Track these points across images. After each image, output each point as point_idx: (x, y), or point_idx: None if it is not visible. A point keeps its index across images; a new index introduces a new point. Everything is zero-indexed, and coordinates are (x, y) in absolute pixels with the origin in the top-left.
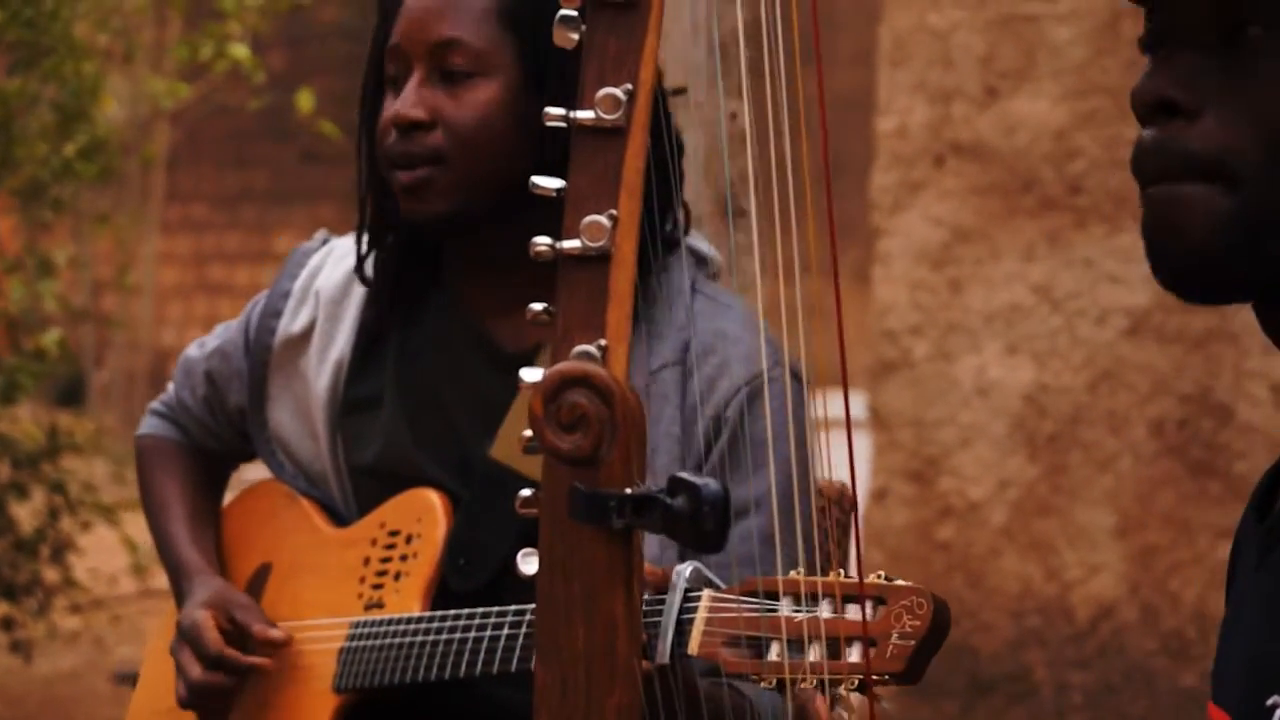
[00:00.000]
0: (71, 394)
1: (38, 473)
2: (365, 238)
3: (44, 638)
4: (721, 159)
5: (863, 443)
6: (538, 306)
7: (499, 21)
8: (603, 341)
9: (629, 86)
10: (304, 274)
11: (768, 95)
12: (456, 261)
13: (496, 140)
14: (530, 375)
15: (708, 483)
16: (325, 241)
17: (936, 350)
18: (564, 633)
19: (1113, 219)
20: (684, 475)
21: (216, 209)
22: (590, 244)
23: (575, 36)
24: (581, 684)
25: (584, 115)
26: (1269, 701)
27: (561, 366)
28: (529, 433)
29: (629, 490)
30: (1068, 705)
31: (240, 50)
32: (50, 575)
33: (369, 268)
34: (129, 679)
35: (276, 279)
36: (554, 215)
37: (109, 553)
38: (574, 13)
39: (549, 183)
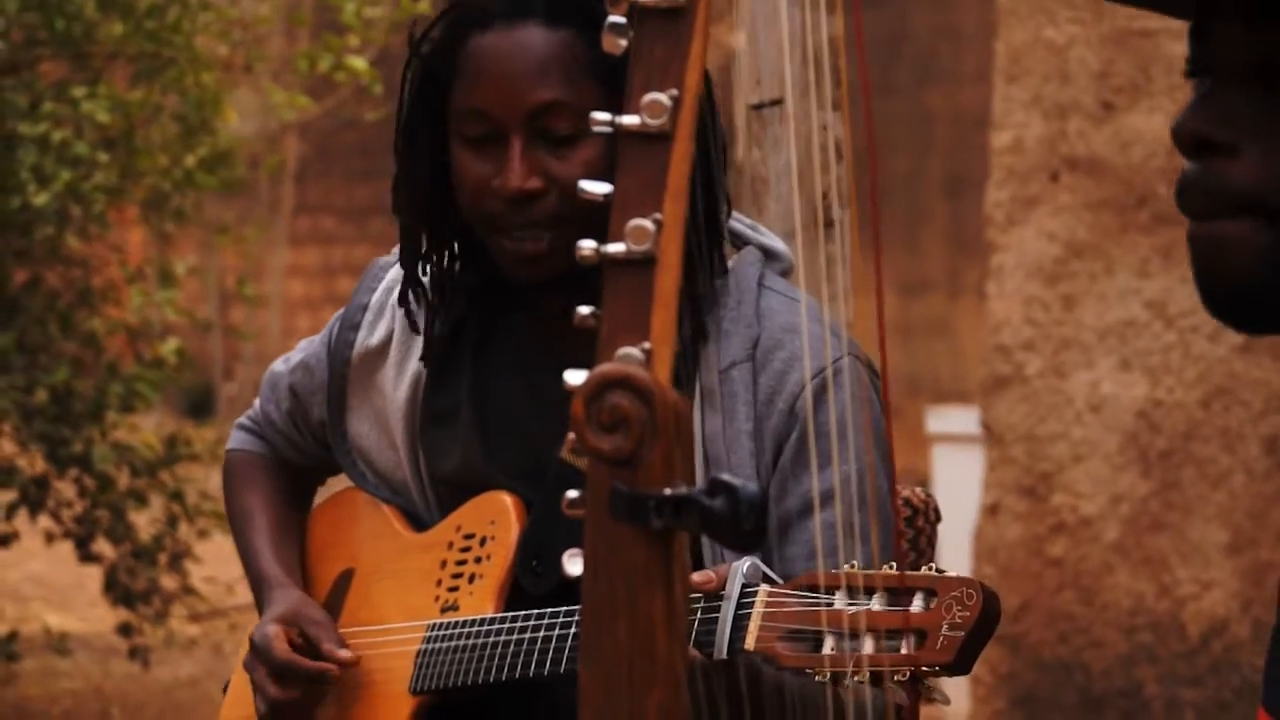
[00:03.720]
0: (200, 405)
1: (156, 481)
2: (436, 285)
3: (162, 645)
4: (815, 171)
5: (976, 458)
6: (585, 310)
7: (591, 74)
8: (647, 345)
9: (674, 92)
10: (381, 287)
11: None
12: None
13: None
14: (574, 378)
15: (746, 484)
16: None
17: (1050, 366)
18: (606, 632)
19: None
20: (723, 477)
21: (344, 221)
22: (635, 247)
23: (624, 43)
24: (623, 684)
25: (630, 121)
26: None
27: (602, 368)
28: (574, 434)
29: (668, 491)
30: None
31: (358, 63)
32: (168, 583)
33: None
34: None
35: (354, 292)
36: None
37: (225, 561)
38: (622, 20)
39: (597, 188)
